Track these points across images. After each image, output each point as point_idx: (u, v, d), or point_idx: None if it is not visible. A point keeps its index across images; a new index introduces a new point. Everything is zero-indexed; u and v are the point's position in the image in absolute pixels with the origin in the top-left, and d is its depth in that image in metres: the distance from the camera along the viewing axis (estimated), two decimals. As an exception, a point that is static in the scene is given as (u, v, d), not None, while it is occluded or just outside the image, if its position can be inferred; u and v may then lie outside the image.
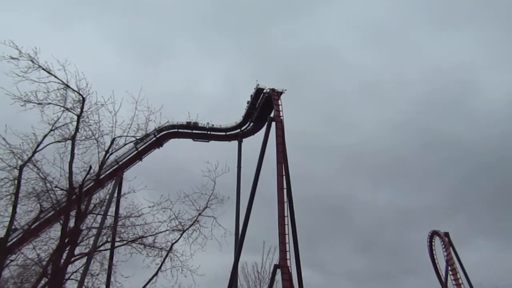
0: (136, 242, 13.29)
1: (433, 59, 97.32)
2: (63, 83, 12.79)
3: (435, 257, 48.73)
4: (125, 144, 14.15)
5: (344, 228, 73.37)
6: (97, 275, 13.07)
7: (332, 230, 70.55)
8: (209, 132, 41.51)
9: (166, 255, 13.29)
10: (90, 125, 13.17)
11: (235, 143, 40.93)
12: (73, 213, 12.54)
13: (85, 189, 12.97)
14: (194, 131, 41.01)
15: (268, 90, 36.72)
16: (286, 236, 27.96)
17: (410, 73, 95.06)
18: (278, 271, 27.92)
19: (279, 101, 34.56)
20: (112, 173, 30.49)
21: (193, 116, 39.60)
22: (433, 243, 48.97)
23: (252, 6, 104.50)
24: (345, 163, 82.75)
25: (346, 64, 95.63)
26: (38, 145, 12.53)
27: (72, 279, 12.67)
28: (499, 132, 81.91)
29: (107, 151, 13.36)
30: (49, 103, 12.75)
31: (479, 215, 74.24)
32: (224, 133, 41.85)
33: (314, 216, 64.22)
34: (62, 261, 11.88)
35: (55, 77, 12.68)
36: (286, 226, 28.32)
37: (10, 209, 12.06)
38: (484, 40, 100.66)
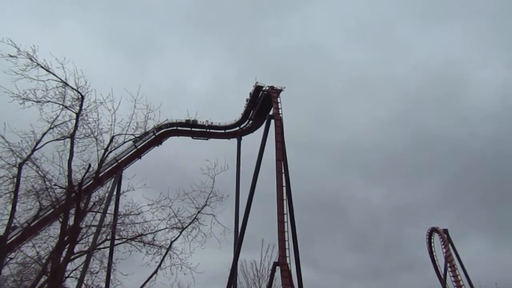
0: (136, 240, 13.29)
1: (422, 55, 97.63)
2: (61, 81, 12.78)
3: (434, 253, 48.89)
4: (124, 142, 14.15)
5: (338, 225, 73.67)
6: (97, 273, 13.02)
7: (326, 227, 70.79)
8: (208, 130, 41.49)
9: (166, 253, 13.29)
10: (89, 123, 13.19)
11: (234, 140, 40.95)
12: (72, 211, 12.52)
13: (84, 187, 12.94)
14: (193, 129, 41.01)
15: (267, 88, 36.69)
16: (286, 233, 28.03)
17: (400, 70, 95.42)
18: (278, 268, 27.99)
19: (278, 98, 34.54)
20: (111, 171, 30.56)
21: (192, 113, 39.70)
22: (432, 240, 49.11)
23: (240, 4, 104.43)
24: (337, 160, 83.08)
25: (336, 61, 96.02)
26: (37, 143, 12.52)
27: (71, 277, 12.64)
28: (490, 127, 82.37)
29: (106, 149, 13.36)
30: (48, 101, 12.74)
31: (472, 211, 74.64)
32: (223, 131, 41.80)
33: (308, 213, 64.46)
34: (62, 259, 11.87)
35: (54, 75, 12.67)
36: (285, 224, 28.39)
37: (9, 207, 12.06)
38: (473, 35, 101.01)
